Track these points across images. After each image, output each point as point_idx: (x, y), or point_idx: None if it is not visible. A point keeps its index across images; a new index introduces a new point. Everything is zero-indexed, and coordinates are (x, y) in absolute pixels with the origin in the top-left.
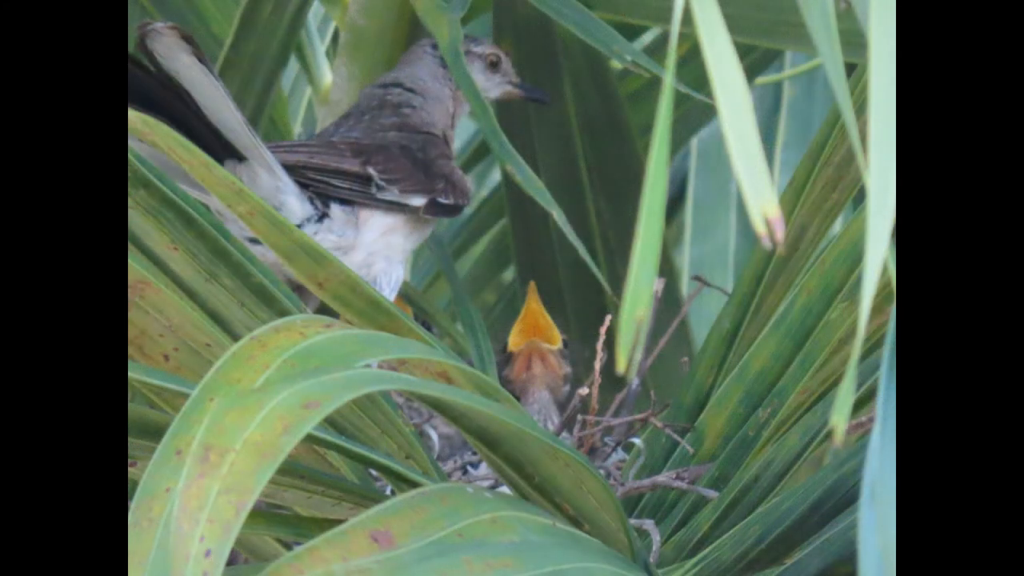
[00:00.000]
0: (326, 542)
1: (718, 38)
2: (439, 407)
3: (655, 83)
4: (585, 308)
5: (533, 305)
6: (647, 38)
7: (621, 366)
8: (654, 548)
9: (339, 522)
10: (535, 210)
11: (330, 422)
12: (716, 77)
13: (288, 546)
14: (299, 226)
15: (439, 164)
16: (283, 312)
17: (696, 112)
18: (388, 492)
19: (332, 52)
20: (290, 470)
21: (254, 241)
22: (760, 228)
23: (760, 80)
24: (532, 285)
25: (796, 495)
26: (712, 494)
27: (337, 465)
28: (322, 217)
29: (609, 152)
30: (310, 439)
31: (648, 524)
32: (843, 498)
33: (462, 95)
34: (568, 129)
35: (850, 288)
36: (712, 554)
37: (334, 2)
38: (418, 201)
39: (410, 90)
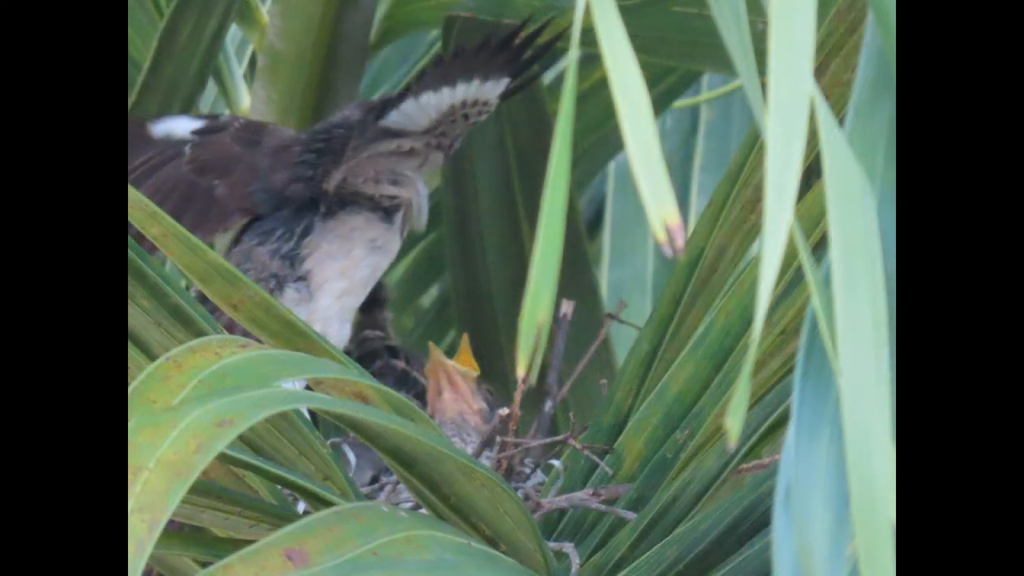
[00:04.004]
0: (240, 560)
1: (615, 36)
2: (354, 426)
3: (582, 100)
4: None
5: (463, 356)
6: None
7: (521, 370)
8: (572, 570)
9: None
10: (471, 230)
11: (248, 443)
12: (615, 80)
13: (205, 566)
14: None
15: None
16: (200, 333)
17: (615, 136)
18: (301, 511)
19: (250, 76)
20: (208, 491)
21: None
22: (660, 235)
23: (678, 104)
24: (465, 337)
25: (713, 516)
26: (630, 516)
27: (256, 487)
28: None
29: (540, 173)
30: (227, 459)
31: (568, 547)
32: (760, 518)
33: None
34: (504, 151)
35: (768, 309)
36: (630, 575)
37: (252, 26)
38: None
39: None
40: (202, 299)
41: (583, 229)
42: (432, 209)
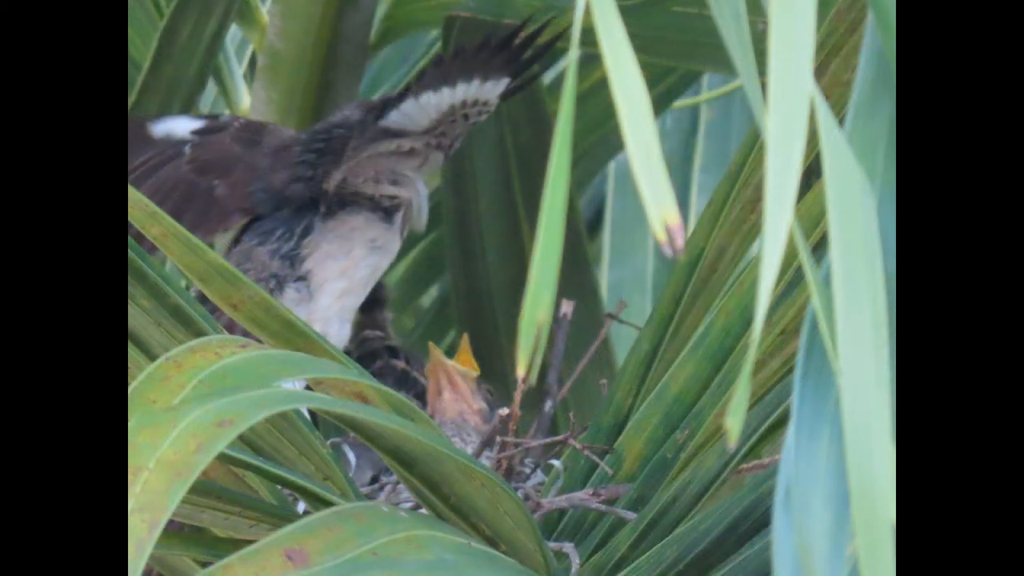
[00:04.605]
0: (240, 560)
1: (615, 36)
2: (354, 426)
3: (582, 100)
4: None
5: (463, 356)
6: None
7: (521, 370)
8: (572, 570)
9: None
10: (471, 230)
11: (248, 443)
12: (615, 80)
13: (205, 566)
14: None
15: None
16: (200, 333)
17: (615, 136)
18: (301, 511)
19: (250, 76)
20: (208, 491)
21: None
22: (660, 235)
23: (678, 104)
24: (465, 337)
25: (713, 516)
26: (630, 516)
27: (256, 487)
28: None
29: (540, 173)
30: (227, 459)
31: (568, 547)
32: (760, 518)
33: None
34: (504, 151)
35: (768, 309)
36: (630, 575)
37: (252, 26)
38: None
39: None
40: (202, 299)
41: (583, 229)
42: (432, 209)
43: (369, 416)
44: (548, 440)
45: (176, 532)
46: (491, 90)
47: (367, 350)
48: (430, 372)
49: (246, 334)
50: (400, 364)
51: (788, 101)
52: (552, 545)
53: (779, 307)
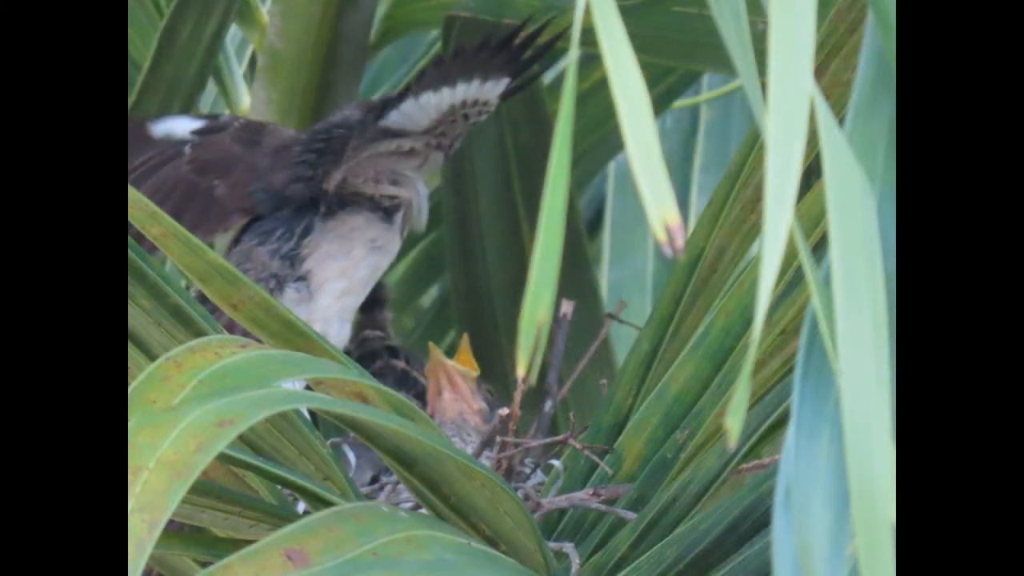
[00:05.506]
0: (240, 560)
1: (615, 36)
2: (354, 426)
3: (582, 100)
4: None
5: (463, 356)
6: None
7: (521, 370)
8: (572, 570)
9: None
10: (471, 230)
11: (248, 443)
12: (615, 80)
13: (205, 566)
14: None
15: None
16: (200, 333)
17: (615, 136)
18: (301, 511)
19: (250, 76)
20: (208, 491)
21: None
22: (660, 235)
23: (678, 104)
24: (465, 337)
25: (713, 516)
26: (630, 516)
27: (256, 487)
28: None
29: (540, 173)
30: (227, 459)
31: (568, 547)
32: (760, 518)
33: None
34: (504, 151)
35: (768, 309)
36: (630, 575)
37: (252, 26)
38: None
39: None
40: (202, 299)
41: (583, 229)
42: (432, 209)
43: (369, 416)
44: (548, 440)
45: (176, 532)
46: (491, 90)
47: (367, 350)
48: (430, 372)
49: (246, 334)
50: (400, 364)
51: (788, 101)
52: (552, 545)
53: (779, 307)
